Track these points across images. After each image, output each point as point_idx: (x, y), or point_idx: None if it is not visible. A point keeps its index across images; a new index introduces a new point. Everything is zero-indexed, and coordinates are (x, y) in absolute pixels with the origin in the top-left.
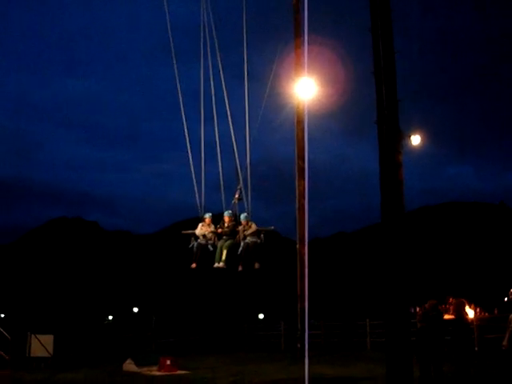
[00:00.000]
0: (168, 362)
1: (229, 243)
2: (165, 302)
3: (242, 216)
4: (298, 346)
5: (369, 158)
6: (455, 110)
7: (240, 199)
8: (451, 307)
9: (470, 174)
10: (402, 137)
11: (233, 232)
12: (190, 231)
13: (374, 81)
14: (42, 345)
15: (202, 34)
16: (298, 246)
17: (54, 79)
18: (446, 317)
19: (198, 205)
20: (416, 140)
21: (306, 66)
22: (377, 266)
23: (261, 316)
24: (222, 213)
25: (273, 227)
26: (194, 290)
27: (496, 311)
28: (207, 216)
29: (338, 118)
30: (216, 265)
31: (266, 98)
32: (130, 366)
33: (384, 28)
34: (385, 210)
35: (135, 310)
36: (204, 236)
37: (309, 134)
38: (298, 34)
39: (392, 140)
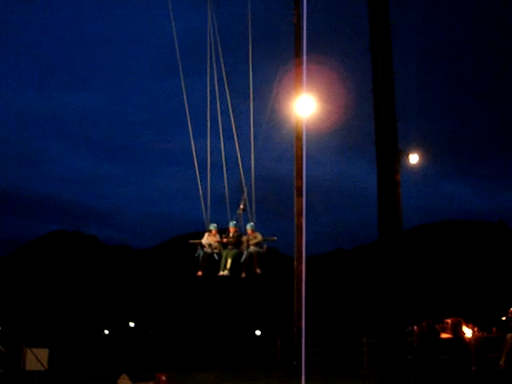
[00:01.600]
0: (164, 378)
1: (234, 252)
2: (162, 317)
3: (248, 226)
4: (294, 363)
5: (368, 176)
6: (453, 128)
7: (244, 210)
8: (448, 326)
9: (468, 193)
10: (400, 156)
11: (237, 242)
12: (197, 241)
13: (372, 100)
14: (37, 358)
15: (208, 53)
16: (295, 263)
17: (54, 92)
18: (444, 336)
19: (205, 217)
20: (414, 159)
21: (305, 83)
22: (375, 283)
23: (258, 333)
24: (224, 225)
25: (275, 238)
26: (192, 305)
27: (494, 330)
28: (213, 227)
29: (338, 135)
30: (221, 273)
31: (268, 115)
32: (124, 381)
33: (383, 48)
34: (382, 228)
35: (131, 324)
36: (210, 245)
37: (308, 151)
38: (298, 52)
39: (390, 159)
